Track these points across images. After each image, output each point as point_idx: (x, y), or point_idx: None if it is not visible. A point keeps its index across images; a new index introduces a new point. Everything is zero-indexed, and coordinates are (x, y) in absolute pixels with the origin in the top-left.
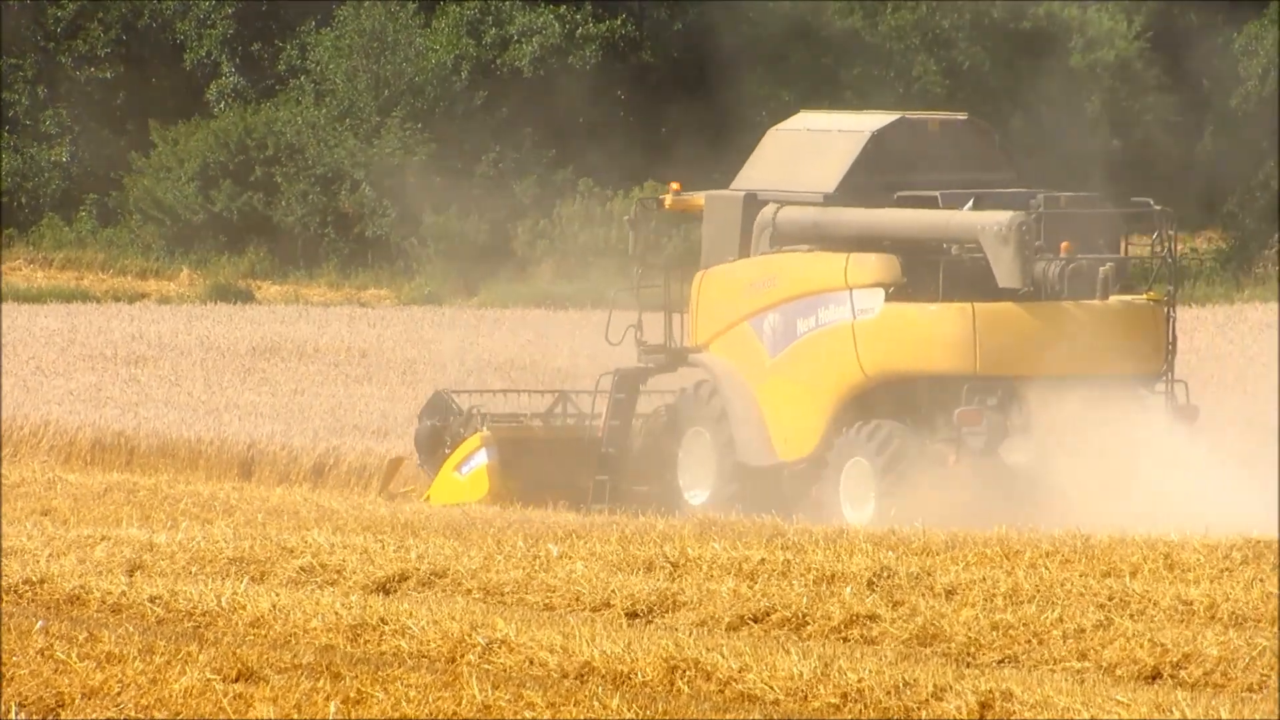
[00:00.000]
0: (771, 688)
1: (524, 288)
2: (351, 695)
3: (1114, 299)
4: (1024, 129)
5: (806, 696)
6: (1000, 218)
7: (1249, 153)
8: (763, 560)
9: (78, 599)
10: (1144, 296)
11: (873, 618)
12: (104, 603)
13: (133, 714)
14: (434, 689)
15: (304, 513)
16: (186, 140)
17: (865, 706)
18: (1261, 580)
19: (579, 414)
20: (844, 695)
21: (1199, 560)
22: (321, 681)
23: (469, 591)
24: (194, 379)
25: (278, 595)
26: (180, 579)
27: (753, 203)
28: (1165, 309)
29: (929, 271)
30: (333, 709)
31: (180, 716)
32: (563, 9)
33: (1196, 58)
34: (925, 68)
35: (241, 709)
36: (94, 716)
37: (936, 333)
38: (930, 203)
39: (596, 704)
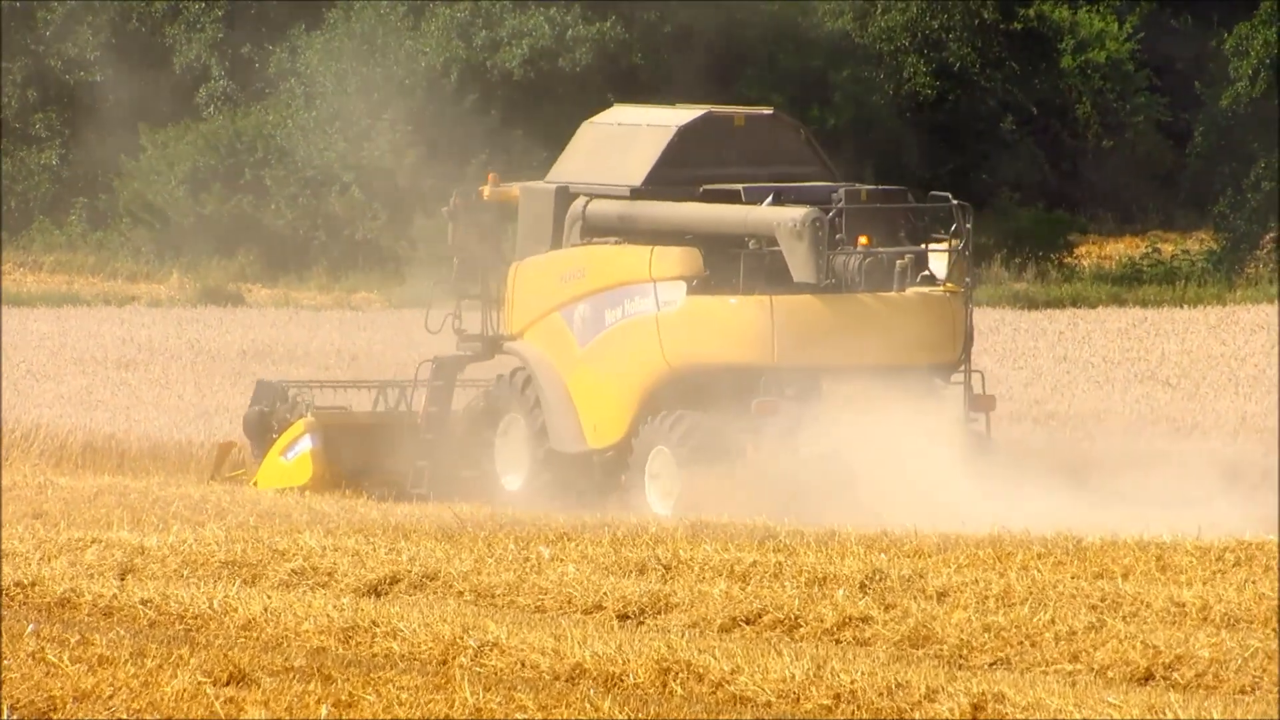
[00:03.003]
0: (764, 689)
1: None
2: (343, 698)
3: (911, 291)
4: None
5: (799, 698)
6: (794, 214)
7: (1240, 154)
8: (755, 562)
9: (69, 602)
10: (941, 288)
11: (865, 620)
12: (95, 606)
13: (124, 717)
14: (426, 691)
15: (295, 515)
16: (176, 143)
17: (857, 708)
18: (1254, 582)
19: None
20: (836, 697)
21: (1191, 562)
22: (313, 684)
23: (460, 594)
24: (185, 382)
25: (269, 598)
26: (172, 582)
27: (564, 195)
28: (963, 300)
29: (731, 265)
30: (324, 712)
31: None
32: (553, 11)
33: (1187, 59)
34: (915, 69)
35: (233, 712)
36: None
37: (735, 325)
38: (734, 197)
39: (588, 706)
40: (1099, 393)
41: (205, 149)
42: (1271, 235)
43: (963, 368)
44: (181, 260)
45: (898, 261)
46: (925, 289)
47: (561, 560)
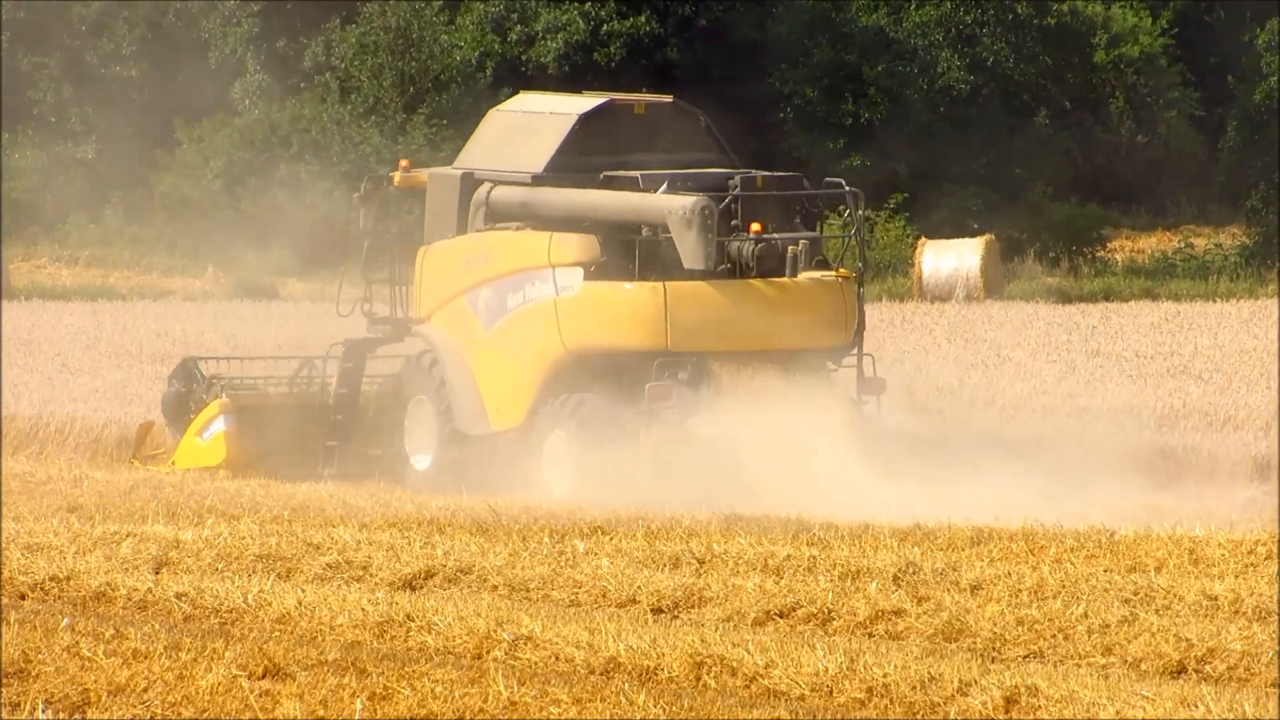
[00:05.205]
0: (797, 683)
1: None
2: (378, 691)
3: (804, 276)
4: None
5: (832, 692)
6: (685, 201)
7: (1273, 149)
8: (788, 556)
9: (104, 596)
10: (834, 273)
11: (898, 613)
12: (130, 599)
13: (159, 711)
14: (460, 685)
15: (330, 509)
16: (212, 137)
17: (890, 701)
18: None
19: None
20: (869, 690)
21: (1223, 555)
22: (348, 678)
23: (495, 588)
24: None
25: (304, 592)
26: (206, 576)
27: (470, 181)
28: (855, 285)
29: (627, 251)
30: (359, 705)
31: (207, 713)
32: (587, 6)
33: (1220, 53)
34: (949, 63)
35: (268, 706)
36: (120, 713)
37: (629, 310)
38: (633, 184)
39: (623, 700)
40: (1132, 386)
41: (241, 143)
42: None
43: (855, 351)
44: (217, 254)
45: (790, 248)
46: (817, 274)
47: (596, 554)
